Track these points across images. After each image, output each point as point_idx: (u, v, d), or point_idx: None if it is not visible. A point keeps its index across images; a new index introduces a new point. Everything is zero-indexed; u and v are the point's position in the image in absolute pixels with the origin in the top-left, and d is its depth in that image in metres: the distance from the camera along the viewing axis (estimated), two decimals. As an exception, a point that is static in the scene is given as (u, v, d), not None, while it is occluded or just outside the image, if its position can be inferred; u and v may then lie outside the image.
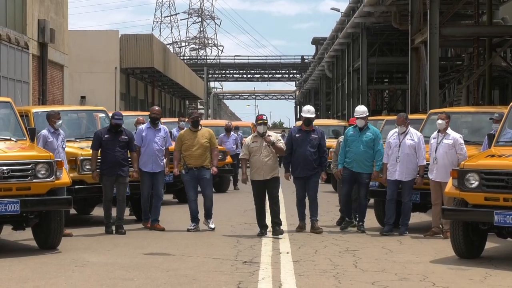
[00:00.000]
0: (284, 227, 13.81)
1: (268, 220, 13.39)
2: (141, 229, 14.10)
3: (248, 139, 13.51)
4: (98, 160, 13.80)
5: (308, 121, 13.80)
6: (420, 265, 10.38)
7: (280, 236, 12.88)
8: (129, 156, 13.93)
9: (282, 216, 14.10)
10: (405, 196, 13.35)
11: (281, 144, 13.34)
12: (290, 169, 13.84)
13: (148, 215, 14.26)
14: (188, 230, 13.73)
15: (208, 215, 13.97)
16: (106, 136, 13.73)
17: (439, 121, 13.10)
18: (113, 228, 13.68)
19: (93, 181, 13.98)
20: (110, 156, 13.60)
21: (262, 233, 13.13)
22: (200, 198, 14.06)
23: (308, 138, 13.66)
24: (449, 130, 13.08)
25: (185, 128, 15.34)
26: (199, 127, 14.03)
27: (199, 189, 14.11)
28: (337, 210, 14.30)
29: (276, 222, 13.14)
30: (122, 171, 13.67)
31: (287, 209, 16.54)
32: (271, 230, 13.24)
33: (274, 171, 13.23)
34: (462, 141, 13.04)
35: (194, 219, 13.91)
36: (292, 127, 25.06)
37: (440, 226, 13.02)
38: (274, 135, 13.38)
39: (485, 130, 14.35)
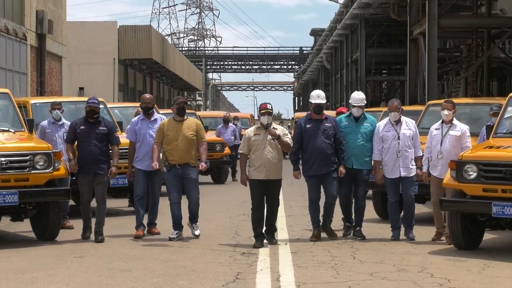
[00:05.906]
0: (282, 218, 13.80)
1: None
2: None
3: (249, 131, 11.41)
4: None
5: (318, 108, 11.67)
6: (418, 256, 10.38)
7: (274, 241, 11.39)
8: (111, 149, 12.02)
9: (281, 207, 14.00)
10: (409, 193, 11.81)
11: (288, 139, 11.34)
12: (300, 166, 11.82)
13: (141, 221, 12.18)
14: (170, 239, 11.62)
15: (194, 219, 11.88)
16: (81, 127, 11.78)
17: (445, 112, 11.61)
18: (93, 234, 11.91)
19: None
20: (86, 151, 11.70)
21: (259, 244, 11.02)
22: (185, 200, 11.96)
23: (320, 128, 11.60)
24: (455, 121, 11.69)
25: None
26: (185, 117, 11.84)
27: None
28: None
29: (271, 231, 11.43)
30: (100, 169, 11.72)
31: (286, 200, 16.51)
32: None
33: (279, 171, 11.30)
34: (469, 133, 11.95)
35: (177, 226, 11.80)
36: (291, 118, 24.69)
37: (445, 224, 11.74)
38: (280, 128, 11.33)
39: (484, 121, 14.34)
